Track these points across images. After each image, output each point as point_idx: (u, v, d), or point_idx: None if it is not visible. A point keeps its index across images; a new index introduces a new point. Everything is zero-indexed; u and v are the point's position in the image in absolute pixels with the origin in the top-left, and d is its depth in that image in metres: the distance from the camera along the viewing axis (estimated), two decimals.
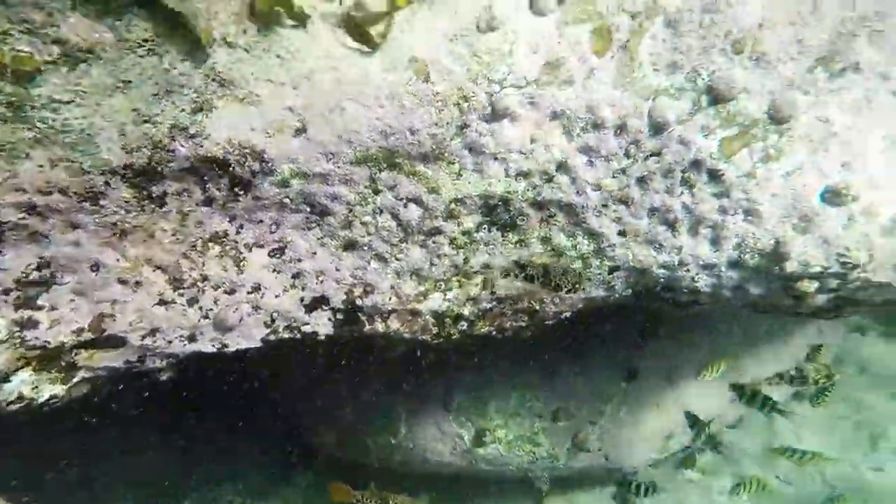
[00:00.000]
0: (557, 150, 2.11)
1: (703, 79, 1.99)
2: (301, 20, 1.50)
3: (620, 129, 2.07)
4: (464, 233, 2.23)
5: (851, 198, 2.07)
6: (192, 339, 1.82)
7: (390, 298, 2.19)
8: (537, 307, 2.55)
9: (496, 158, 2.08)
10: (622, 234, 2.35)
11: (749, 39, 1.90)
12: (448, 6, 1.75)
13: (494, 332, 2.61)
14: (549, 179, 2.18)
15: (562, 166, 2.16)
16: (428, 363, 3.27)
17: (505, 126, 2.01)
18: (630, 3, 1.83)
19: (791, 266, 2.24)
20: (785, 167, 2.10)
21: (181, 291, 1.73)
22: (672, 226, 2.32)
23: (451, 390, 3.81)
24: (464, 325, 2.49)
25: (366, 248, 2.05)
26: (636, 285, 2.57)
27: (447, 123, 1.90)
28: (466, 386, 3.83)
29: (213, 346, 1.87)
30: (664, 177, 2.19)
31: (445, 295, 2.33)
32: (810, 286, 2.32)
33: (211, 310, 1.82)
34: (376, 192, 1.94)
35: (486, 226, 2.26)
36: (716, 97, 2.01)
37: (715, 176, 2.15)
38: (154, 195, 1.55)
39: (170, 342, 1.77)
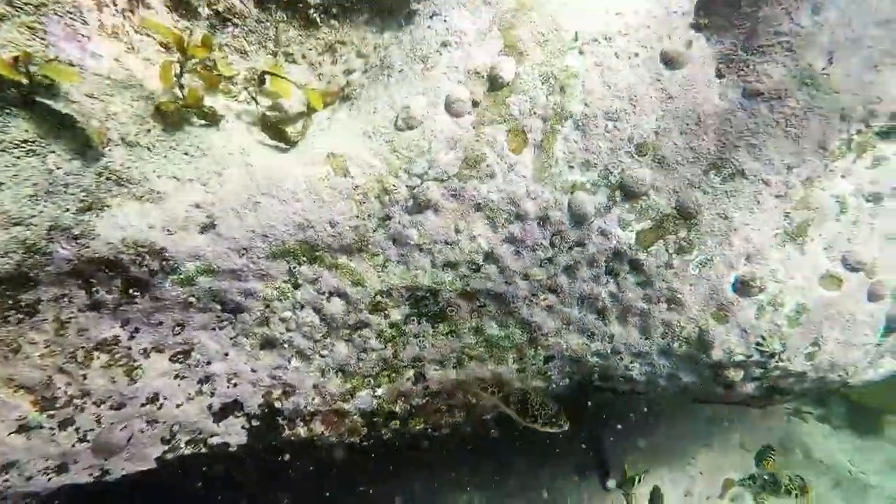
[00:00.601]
0: (483, 241, 2.13)
1: (615, 176, 2.11)
2: (214, 120, 1.50)
3: (543, 220, 2.13)
4: (391, 325, 2.15)
5: (758, 288, 2.17)
6: (61, 469, 1.56)
7: (314, 399, 2.03)
8: (473, 401, 2.45)
9: (421, 249, 2.08)
10: (554, 322, 2.35)
11: (650, 144, 2.05)
12: (367, 106, 1.81)
13: (430, 430, 2.47)
14: (477, 269, 2.18)
15: (489, 256, 2.17)
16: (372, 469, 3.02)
17: (429, 217, 2.03)
18: (540, 108, 1.95)
19: (717, 354, 2.28)
20: (697, 258, 2.20)
21: (51, 413, 1.52)
22: (602, 314, 2.34)
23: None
24: (396, 424, 2.33)
25: (286, 345, 1.93)
26: (573, 374, 2.53)
27: (368, 216, 1.89)
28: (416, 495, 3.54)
29: (91, 474, 1.62)
30: (589, 266, 2.24)
31: (375, 391, 2.20)
32: (737, 375, 2.35)
33: (91, 430, 1.60)
34: (296, 286, 1.87)
35: (414, 318, 2.20)
36: (628, 193, 2.13)
37: (636, 266, 2.22)
38: (23, 304, 1.40)
39: (28, 478, 1.51)
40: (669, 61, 1.95)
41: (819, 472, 5.12)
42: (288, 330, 1.89)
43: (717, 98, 1.99)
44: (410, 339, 2.21)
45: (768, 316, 2.22)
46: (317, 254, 1.84)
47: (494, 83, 1.89)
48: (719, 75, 1.96)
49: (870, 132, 1.97)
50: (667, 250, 2.21)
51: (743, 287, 2.19)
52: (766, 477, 3.79)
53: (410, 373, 2.26)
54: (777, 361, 2.28)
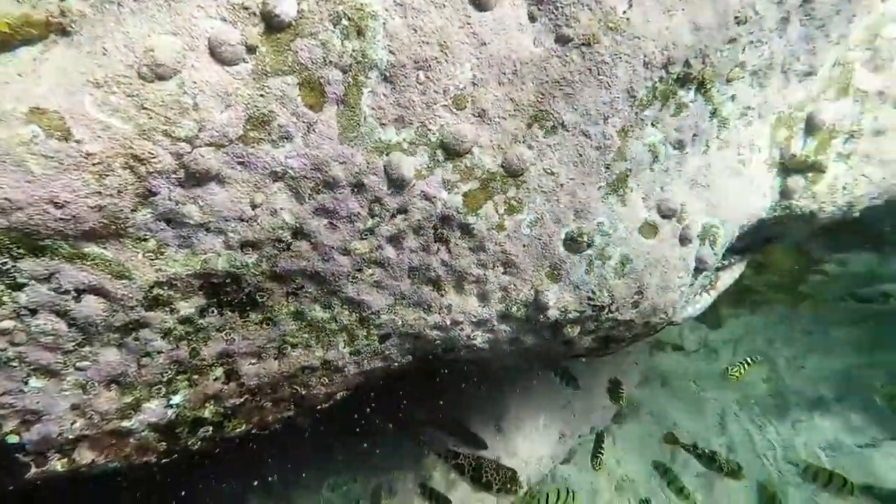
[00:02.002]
0: (288, 215, 1.83)
1: (434, 134, 1.91)
2: None
3: (358, 187, 1.88)
4: (182, 321, 1.79)
5: (587, 244, 2.16)
6: None
7: (74, 423, 1.63)
8: (303, 392, 2.19)
9: (209, 229, 1.72)
10: (385, 299, 2.15)
11: (468, 96, 1.88)
12: (92, 46, 1.38)
13: (256, 430, 2.17)
14: (287, 247, 1.89)
15: (298, 232, 1.88)
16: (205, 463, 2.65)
17: (213, 191, 1.68)
18: (336, 55, 1.67)
19: (553, 313, 2.26)
20: (528, 218, 2.11)
21: None
22: (436, 284, 2.19)
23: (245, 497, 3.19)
24: (208, 430, 2.00)
25: (15, 363, 1.49)
26: (414, 350, 2.37)
27: (119, 192, 1.49)
28: (268, 489, 3.24)
29: None
30: (416, 234, 2.05)
31: (169, 400, 1.84)
32: (574, 330, 2.37)
33: None
34: (16, 287, 1.43)
35: (214, 308, 1.85)
36: (450, 152, 1.95)
37: (467, 230, 2.08)
38: None
39: None
40: (478, 2, 1.76)
41: (671, 396, 5.72)
42: (14, 344, 1.46)
43: (532, 44, 1.86)
44: (212, 333, 1.87)
45: (597, 270, 2.23)
46: (41, 243, 1.41)
47: (271, 23, 1.56)
48: (531, 18, 1.82)
49: (670, 79, 1.98)
50: (496, 211, 2.09)
51: (573, 243, 2.16)
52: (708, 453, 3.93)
53: (219, 371, 1.94)
54: (607, 313, 2.32)
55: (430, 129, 1.91)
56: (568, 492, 3.48)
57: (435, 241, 2.10)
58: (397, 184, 1.92)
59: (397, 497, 3.60)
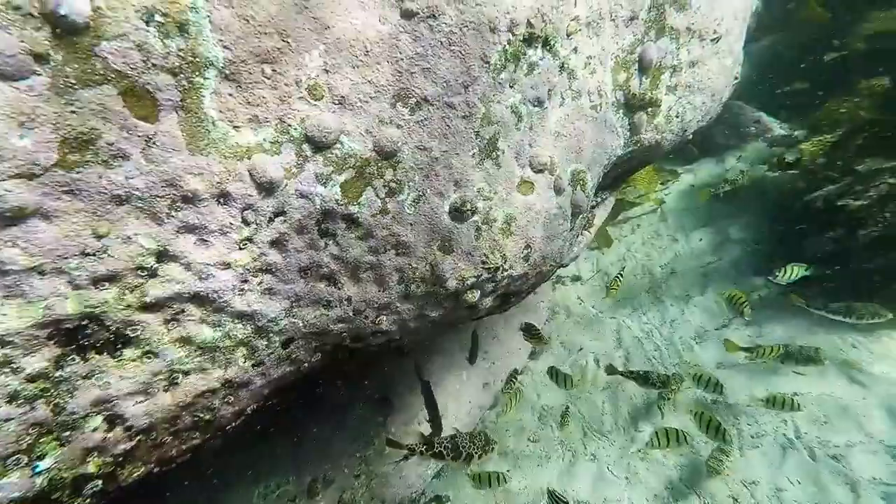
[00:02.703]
0: (147, 239, 1.65)
1: (295, 129, 1.81)
2: None
3: (223, 197, 1.74)
4: (33, 378, 1.57)
5: (471, 211, 2.23)
6: None
7: None
8: (207, 417, 2.06)
9: (43, 273, 1.50)
10: (279, 304, 2.06)
11: (323, 84, 1.79)
12: None
13: (157, 468, 2.02)
14: (153, 274, 1.71)
15: (164, 255, 1.71)
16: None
17: (37, 228, 1.45)
18: (159, 57, 1.48)
19: (452, 284, 2.33)
20: (410, 197, 2.12)
21: None
22: (331, 279, 2.14)
23: None
24: (98, 485, 1.82)
25: None
26: (322, 347, 2.33)
27: None
28: None
29: None
30: (300, 234, 1.97)
31: (34, 469, 1.63)
32: (473, 296, 2.47)
33: None
34: None
35: (74, 356, 1.64)
36: (317, 145, 1.86)
37: (351, 220, 2.04)
38: None
39: None
40: None
41: (575, 322, 6.27)
42: None
43: (379, 22, 1.80)
44: (78, 382, 1.67)
45: (485, 234, 2.33)
46: None
47: (59, 25, 1.33)
48: None
49: (517, 41, 2.06)
50: (378, 196, 2.06)
51: (458, 213, 2.22)
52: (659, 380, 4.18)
53: (97, 420, 1.74)
54: (502, 273, 2.45)
55: (290, 125, 1.80)
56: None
57: (321, 237, 2.03)
58: (267, 187, 1.81)
59: (335, 484, 3.61)
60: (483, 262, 2.35)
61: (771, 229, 5.42)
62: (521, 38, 2.07)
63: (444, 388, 4.48)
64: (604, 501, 3.90)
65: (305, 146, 1.86)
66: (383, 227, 2.11)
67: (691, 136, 3.30)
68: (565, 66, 2.34)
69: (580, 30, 2.30)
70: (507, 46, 2.05)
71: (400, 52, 1.85)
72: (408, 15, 1.78)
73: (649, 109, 2.84)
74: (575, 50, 2.34)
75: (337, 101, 1.86)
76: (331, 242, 2.06)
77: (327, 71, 1.79)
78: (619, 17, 2.46)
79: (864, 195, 4.00)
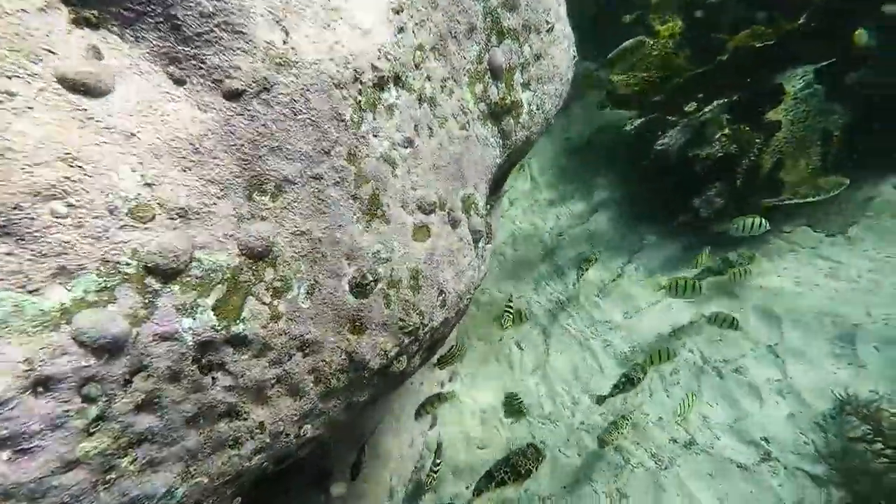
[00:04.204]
0: None
1: (128, 264, 1.39)
2: None
3: (41, 385, 1.29)
4: None
5: (373, 280, 1.98)
6: None
7: None
8: None
9: None
10: (172, 469, 1.64)
11: (149, 203, 1.39)
12: None
13: None
14: None
15: None
16: None
17: None
18: None
19: (374, 363, 2.08)
20: (302, 290, 1.81)
21: None
22: (232, 413, 1.76)
23: None
24: None
25: None
26: (241, 487, 1.94)
27: None
28: None
29: None
30: (175, 382, 1.56)
31: None
32: (400, 364, 2.25)
33: None
34: None
35: None
36: (165, 273, 1.46)
37: (239, 341, 1.67)
38: None
39: None
40: (86, 88, 1.23)
41: (486, 311, 6.31)
42: None
43: (199, 111, 1.44)
44: None
45: (395, 298, 2.10)
46: None
47: None
48: (178, 82, 1.38)
49: (367, 88, 1.82)
50: (263, 303, 1.72)
51: (360, 289, 1.96)
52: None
53: None
54: (423, 329, 2.25)
55: (118, 262, 1.38)
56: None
57: (206, 374, 1.64)
58: (108, 348, 1.37)
59: None
60: (401, 328, 2.12)
61: (643, 186, 5.87)
62: (372, 84, 1.83)
63: (384, 434, 4.21)
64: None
65: (150, 280, 1.45)
66: (280, 334, 1.77)
67: (552, 122, 3.37)
68: (423, 96, 2.16)
69: (427, 56, 2.13)
70: (360, 97, 1.80)
71: (238, 138, 1.51)
72: (233, 95, 1.44)
73: (513, 112, 2.80)
74: (428, 78, 2.16)
75: (176, 215, 1.47)
76: (220, 375, 1.67)
77: (149, 185, 1.39)
78: (459, 32, 2.33)
79: (715, 142, 4.50)
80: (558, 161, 7.38)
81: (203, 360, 1.61)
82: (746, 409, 3.69)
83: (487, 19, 2.50)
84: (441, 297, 2.32)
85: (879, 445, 2.88)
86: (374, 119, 1.92)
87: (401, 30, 1.89)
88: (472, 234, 2.54)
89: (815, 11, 4.03)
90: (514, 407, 4.00)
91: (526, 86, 2.87)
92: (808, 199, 4.13)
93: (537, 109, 3.01)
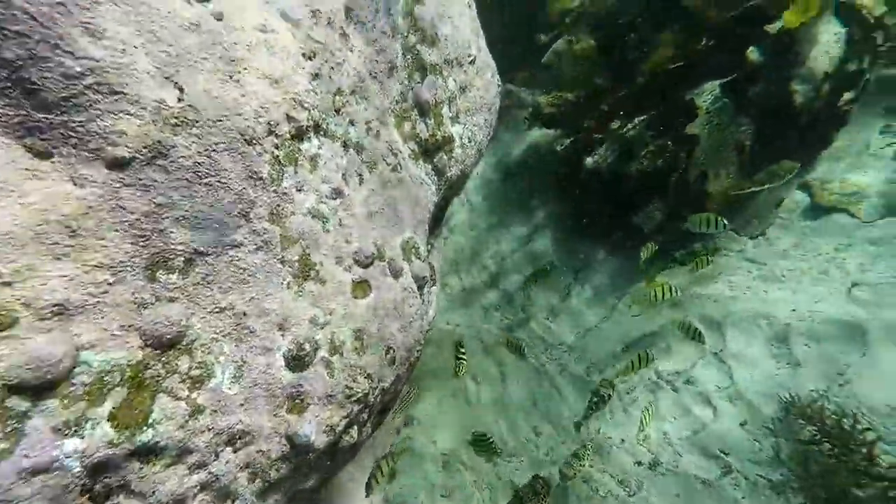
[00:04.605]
0: None
1: None
2: None
3: None
4: None
5: (312, 349, 1.75)
6: None
7: None
8: None
9: None
10: None
11: (12, 304, 1.11)
12: None
13: None
14: None
15: None
16: None
17: None
18: None
19: (320, 441, 1.83)
20: (227, 375, 1.55)
21: None
22: None
23: None
24: None
25: None
26: None
27: None
28: None
29: None
30: None
31: None
32: (352, 436, 2.01)
33: None
34: None
35: None
36: (37, 387, 1.18)
37: (148, 451, 1.39)
38: None
39: None
40: None
41: (438, 346, 6.12)
42: None
43: (73, 186, 1.19)
44: None
45: (339, 365, 1.88)
46: None
47: None
48: (44, 156, 1.14)
49: (284, 141, 1.64)
50: (178, 397, 1.45)
51: (297, 361, 1.72)
52: None
53: None
54: (373, 393, 2.04)
55: None
56: None
57: (105, 501, 1.34)
58: None
59: None
60: (349, 397, 1.90)
61: (579, 205, 5.98)
62: (290, 136, 1.65)
63: None
64: None
65: (14, 401, 1.16)
66: (203, 431, 1.51)
67: (483, 151, 3.32)
68: (349, 142, 2.00)
69: (348, 100, 1.98)
70: (277, 151, 1.61)
71: (130, 212, 1.27)
72: (118, 165, 1.21)
73: (446, 147, 2.70)
74: (352, 122, 2.01)
75: (50, 314, 1.19)
76: (123, 496, 1.38)
77: (7, 283, 1.11)
78: (380, 72, 2.21)
79: (643, 159, 4.65)
80: (493, 184, 7.44)
81: (97, 487, 1.32)
82: (703, 421, 3.73)
83: (407, 57, 2.40)
84: (390, 355, 2.12)
85: (827, 446, 2.98)
86: (297, 172, 1.73)
87: (316, 76, 1.73)
88: (416, 281, 2.38)
89: (716, 32, 4.34)
90: (483, 448, 3.80)
91: (455, 119, 2.80)
92: (767, 186, 4.34)
93: (469, 142, 2.94)
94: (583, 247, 5.73)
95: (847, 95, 4.40)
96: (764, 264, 4.59)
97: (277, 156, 1.61)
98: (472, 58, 2.82)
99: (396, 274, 2.21)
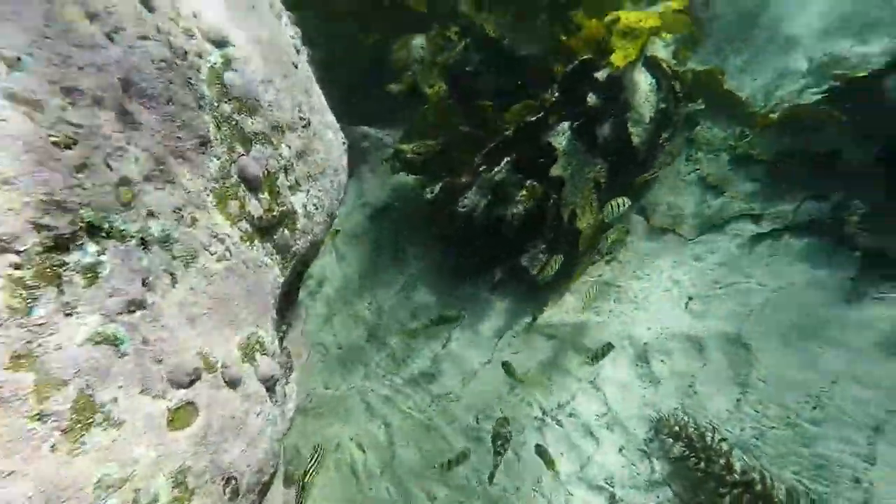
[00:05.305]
0: None
1: None
2: None
3: None
4: None
5: None
6: None
7: None
8: None
9: None
10: None
11: None
12: None
13: None
14: None
15: None
16: None
17: None
18: None
19: None
20: None
21: None
22: None
23: None
24: None
25: None
26: None
27: None
28: None
29: None
30: None
31: None
32: None
33: None
34: None
35: None
36: None
37: None
38: None
39: None
40: None
41: (316, 415, 5.60)
42: None
43: None
44: None
45: None
46: None
47: None
48: None
49: (37, 252, 1.24)
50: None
51: None
52: None
53: None
54: None
55: None
56: None
57: None
58: None
59: None
60: None
61: (454, 249, 5.95)
62: (42, 249, 1.25)
63: None
64: None
65: None
66: None
67: (332, 220, 3.08)
68: (149, 238, 1.62)
69: (142, 189, 1.62)
70: (20, 272, 1.20)
71: None
72: None
73: (287, 221, 2.41)
74: (151, 214, 1.64)
75: None
76: None
77: None
78: (187, 150, 1.87)
79: (517, 203, 4.80)
80: (361, 229, 7.20)
81: None
82: (587, 453, 3.82)
83: (224, 128, 2.09)
84: (231, 486, 1.73)
85: (694, 461, 3.21)
86: (62, 292, 1.32)
87: (81, 167, 1.36)
88: (265, 382, 2.03)
89: (562, 79, 4.72)
90: None
91: (295, 188, 2.53)
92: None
93: (316, 209, 2.69)
94: (461, 292, 5.72)
95: (664, 134, 5.08)
96: (620, 286, 4.98)
97: (20, 278, 1.20)
98: (305, 121, 2.60)
99: (234, 383, 1.85)
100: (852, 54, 4.54)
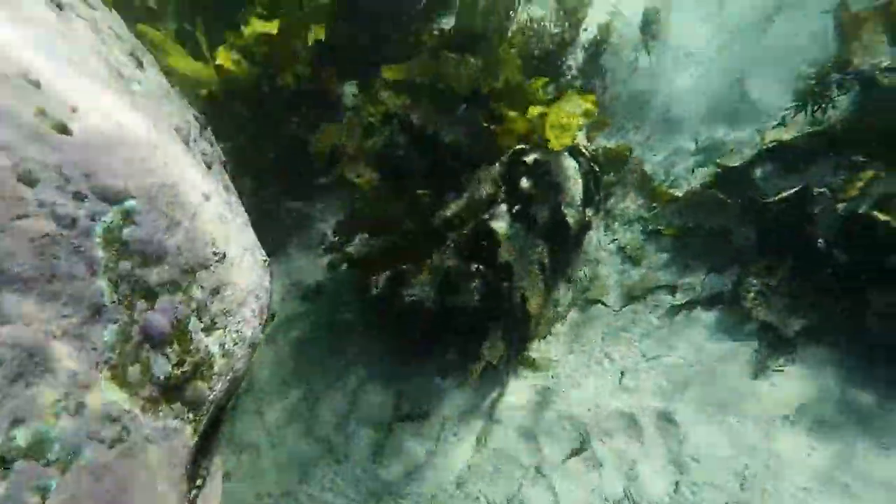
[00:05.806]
0: None
1: None
2: None
3: None
4: None
5: None
6: None
7: None
8: None
9: None
10: None
11: None
12: None
13: None
14: None
15: None
16: None
17: None
18: None
19: None
20: None
21: None
22: None
23: None
24: None
25: None
26: None
27: None
28: None
29: None
30: None
31: None
32: None
33: None
34: None
35: None
36: None
37: None
38: None
39: None
40: None
41: None
42: None
43: None
44: None
45: None
46: None
47: None
48: None
49: None
50: None
51: None
52: None
53: None
54: None
55: None
56: None
57: None
58: None
59: None
60: None
61: (404, 344, 5.77)
62: None
63: None
64: None
65: None
66: None
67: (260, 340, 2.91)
68: (9, 457, 1.41)
69: (7, 393, 1.42)
70: None
71: None
72: None
73: (202, 369, 2.23)
74: (16, 422, 1.44)
75: None
76: None
77: None
78: (71, 327, 1.69)
79: (467, 292, 4.80)
80: (294, 313, 6.87)
81: None
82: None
83: (122, 287, 1.93)
84: None
85: None
86: None
87: None
88: None
89: (501, 170, 4.94)
90: None
91: (211, 329, 2.36)
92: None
93: (235, 344, 2.52)
94: (408, 376, 5.55)
95: (590, 211, 5.38)
96: (557, 362, 5.05)
97: None
98: (219, 255, 2.47)
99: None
100: (730, 140, 5.12)
